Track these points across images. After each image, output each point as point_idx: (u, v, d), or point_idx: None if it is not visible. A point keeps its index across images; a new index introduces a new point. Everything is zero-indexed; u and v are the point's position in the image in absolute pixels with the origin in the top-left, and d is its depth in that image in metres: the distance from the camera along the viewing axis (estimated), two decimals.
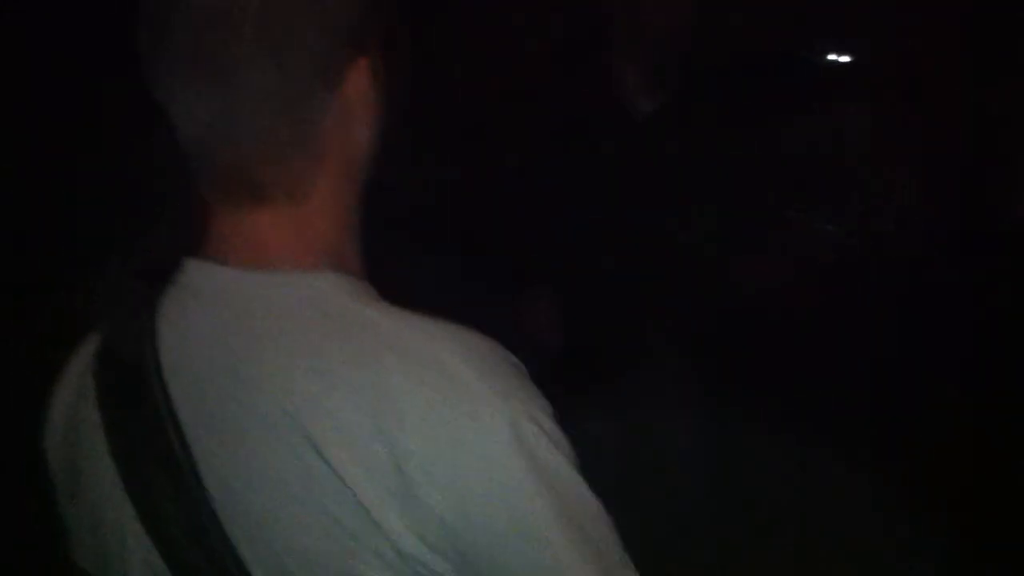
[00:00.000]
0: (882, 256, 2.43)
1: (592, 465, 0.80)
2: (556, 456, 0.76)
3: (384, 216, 0.93)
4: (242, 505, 0.78)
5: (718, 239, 2.14)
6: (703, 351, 2.11)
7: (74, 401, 0.90)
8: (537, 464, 0.75)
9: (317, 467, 0.75)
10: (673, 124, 2.18)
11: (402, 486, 0.74)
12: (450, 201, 2.37)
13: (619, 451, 2.02)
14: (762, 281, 2.19)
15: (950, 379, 2.23)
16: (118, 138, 2.11)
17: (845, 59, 2.50)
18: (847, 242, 2.44)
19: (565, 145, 2.17)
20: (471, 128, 2.35)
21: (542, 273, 2.24)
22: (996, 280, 2.17)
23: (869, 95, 2.46)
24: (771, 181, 2.20)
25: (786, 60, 2.49)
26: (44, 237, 2.01)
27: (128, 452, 0.83)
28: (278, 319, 0.80)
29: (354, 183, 0.88)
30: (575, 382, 1.78)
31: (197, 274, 0.85)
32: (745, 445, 2.18)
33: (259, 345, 0.79)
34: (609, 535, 0.78)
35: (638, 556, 0.80)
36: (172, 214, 0.90)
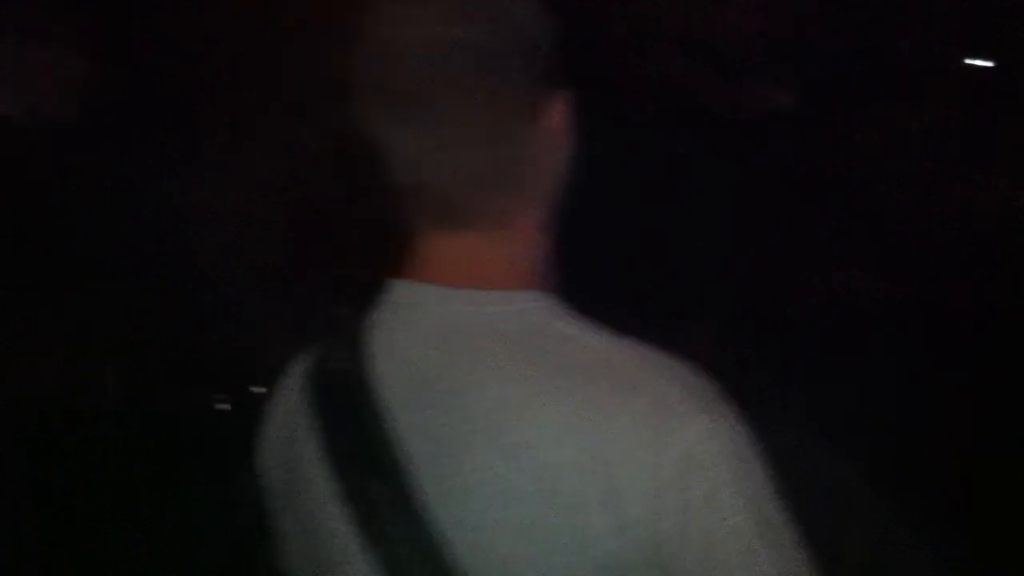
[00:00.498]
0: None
1: None
2: (756, 473, 0.80)
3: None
4: (454, 508, 0.82)
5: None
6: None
7: (290, 419, 0.95)
8: (740, 480, 0.79)
9: (525, 474, 0.79)
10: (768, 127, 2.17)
11: (610, 496, 0.77)
12: None
13: None
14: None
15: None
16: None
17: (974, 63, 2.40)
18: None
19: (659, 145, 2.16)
20: None
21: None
22: None
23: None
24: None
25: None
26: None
27: (342, 459, 0.88)
28: (490, 333, 0.85)
29: (549, 206, 0.93)
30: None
31: (408, 292, 0.90)
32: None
33: (472, 356, 0.84)
34: (795, 547, 0.80)
35: None
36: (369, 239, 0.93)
